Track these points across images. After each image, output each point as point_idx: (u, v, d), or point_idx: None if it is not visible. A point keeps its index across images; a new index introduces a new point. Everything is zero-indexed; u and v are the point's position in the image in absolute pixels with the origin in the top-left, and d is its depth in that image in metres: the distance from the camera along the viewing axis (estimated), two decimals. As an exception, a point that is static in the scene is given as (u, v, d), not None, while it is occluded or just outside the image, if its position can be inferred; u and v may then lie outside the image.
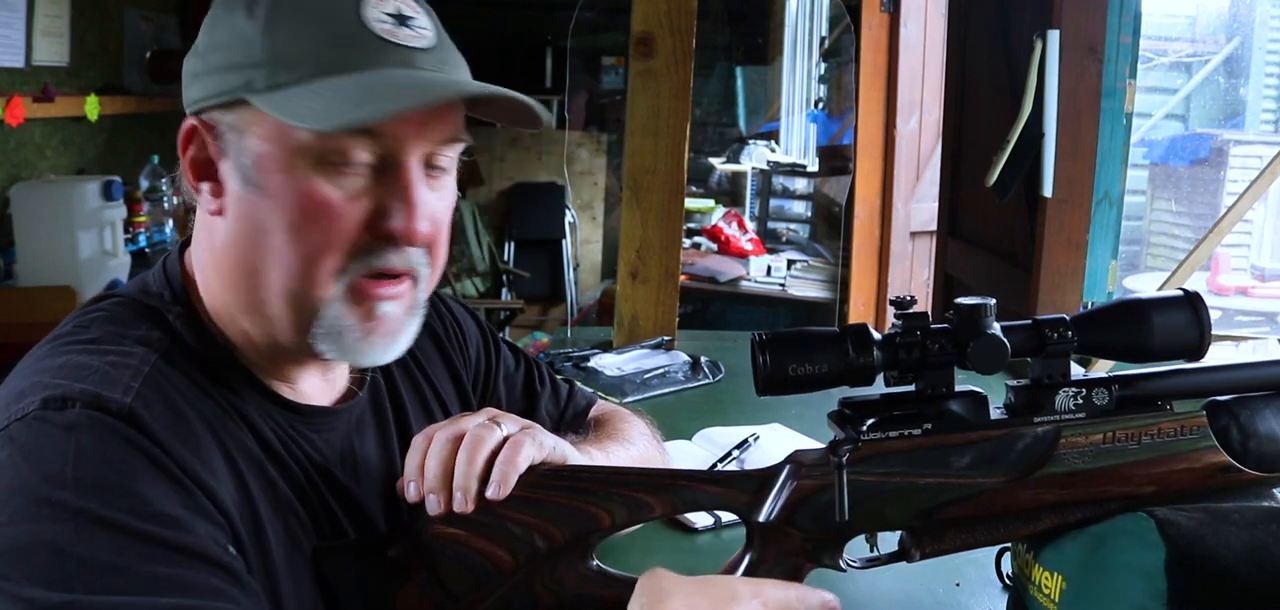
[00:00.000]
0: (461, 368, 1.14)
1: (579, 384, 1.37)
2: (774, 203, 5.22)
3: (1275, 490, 0.89)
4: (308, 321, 0.85)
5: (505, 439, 0.90)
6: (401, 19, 0.84)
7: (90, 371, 0.79)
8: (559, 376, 1.30)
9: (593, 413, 1.28)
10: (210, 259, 0.90)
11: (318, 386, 0.95)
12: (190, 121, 0.86)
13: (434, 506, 0.88)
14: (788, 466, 0.91)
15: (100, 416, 0.76)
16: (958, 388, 0.91)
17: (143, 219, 3.71)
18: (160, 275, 0.92)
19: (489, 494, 0.87)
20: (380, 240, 0.85)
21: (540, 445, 0.91)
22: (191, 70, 0.87)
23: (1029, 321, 0.90)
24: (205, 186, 0.87)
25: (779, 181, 5.23)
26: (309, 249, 0.83)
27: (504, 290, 5.72)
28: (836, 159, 4.72)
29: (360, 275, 0.85)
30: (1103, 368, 1.73)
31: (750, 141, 5.86)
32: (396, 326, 0.89)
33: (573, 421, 1.25)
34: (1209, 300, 0.90)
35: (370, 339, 0.87)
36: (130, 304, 0.88)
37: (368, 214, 0.84)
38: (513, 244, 6.08)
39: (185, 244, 0.94)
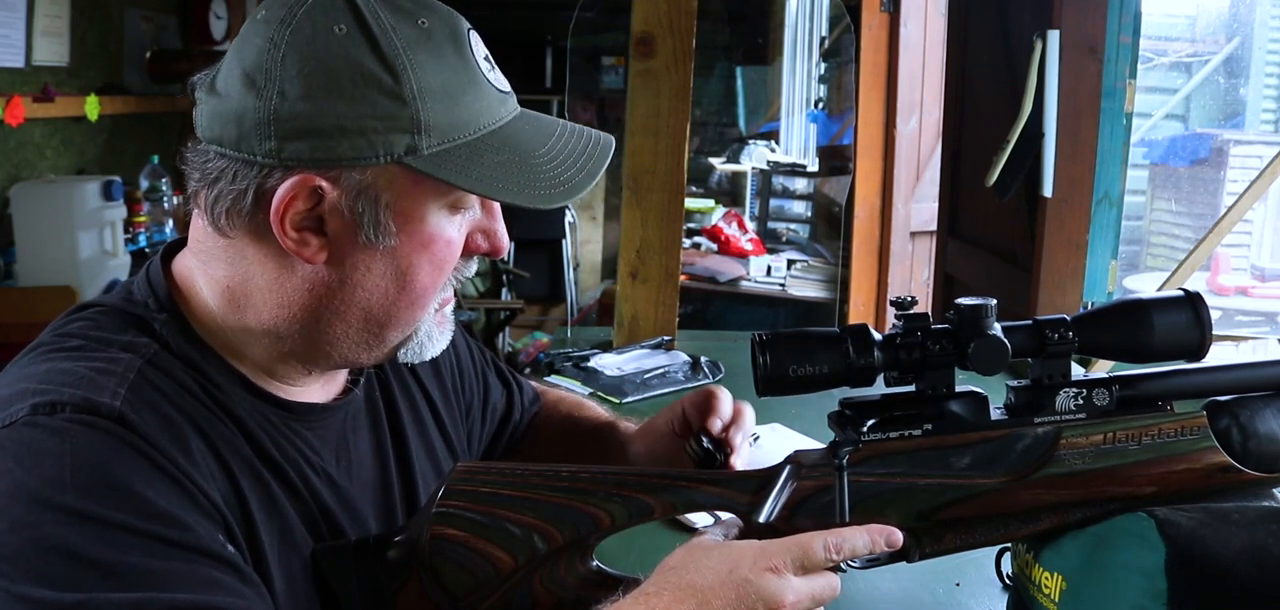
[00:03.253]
0: (445, 369, 1.16)
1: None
2: (774, 203, 5.21)
3: (1275, 490, 0.89)
4: (404, 341, 0.92)
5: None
6: (490, 62, 0.90)
7: (76, 377, 0.79)
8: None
9: (546, 402, 1.36)
10: (271, 293, 0.87)
11: (315, 387, 0.96)
12: (301, 178, 0.81)
13: None
14: (788, 467, 0.91)
15: (91, 420, 0.76)
16: (958, 388, 0.91)
17: (143, 219, 3.71)
18: (144, 283, 0.91)
19: None
20: (465, 259, 0.92)
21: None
22: (291, 125, 0.81)
23: (1029, 322, 0.90)
24: (309, 238, 0.84)
25: (779, 181, 5.23)
26: (431, 285, 0.89)
27: (504, 290, 5.71)
28: (836, 159, 4.72)
29: (448, 292, 0.93)
30: (1103, 368, 1.73)
31: (750, 141, 5.85)
32: (450, 317, 0.97)
33: (530, 407, 1.33)
34: (1209, 300, 0.90)
35: (442, 334, 0.95)
36: (113, 312, 0.88)
37: (465, 239, 0.91)
38: (512, 244, 6.08)
39: (169, 251, 0.94)
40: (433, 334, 0.94)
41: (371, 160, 0.82)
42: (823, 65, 5.23)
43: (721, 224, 4.96)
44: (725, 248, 4.77)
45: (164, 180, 3.87)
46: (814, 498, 0.89)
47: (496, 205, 0.92)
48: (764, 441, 1.58)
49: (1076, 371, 0.92)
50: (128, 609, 0.71)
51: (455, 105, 0.84)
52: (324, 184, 0.82)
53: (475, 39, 0.88)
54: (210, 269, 0.89)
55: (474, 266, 0.95)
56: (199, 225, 0.89)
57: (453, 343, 1.18)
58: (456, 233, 0.89)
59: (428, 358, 0.95)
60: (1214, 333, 0.89)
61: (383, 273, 0.86)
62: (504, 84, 0.90)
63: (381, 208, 0.84)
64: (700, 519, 1.32)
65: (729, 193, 5.83)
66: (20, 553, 0.71)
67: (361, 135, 0.81)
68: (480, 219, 0.92)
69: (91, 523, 0.72)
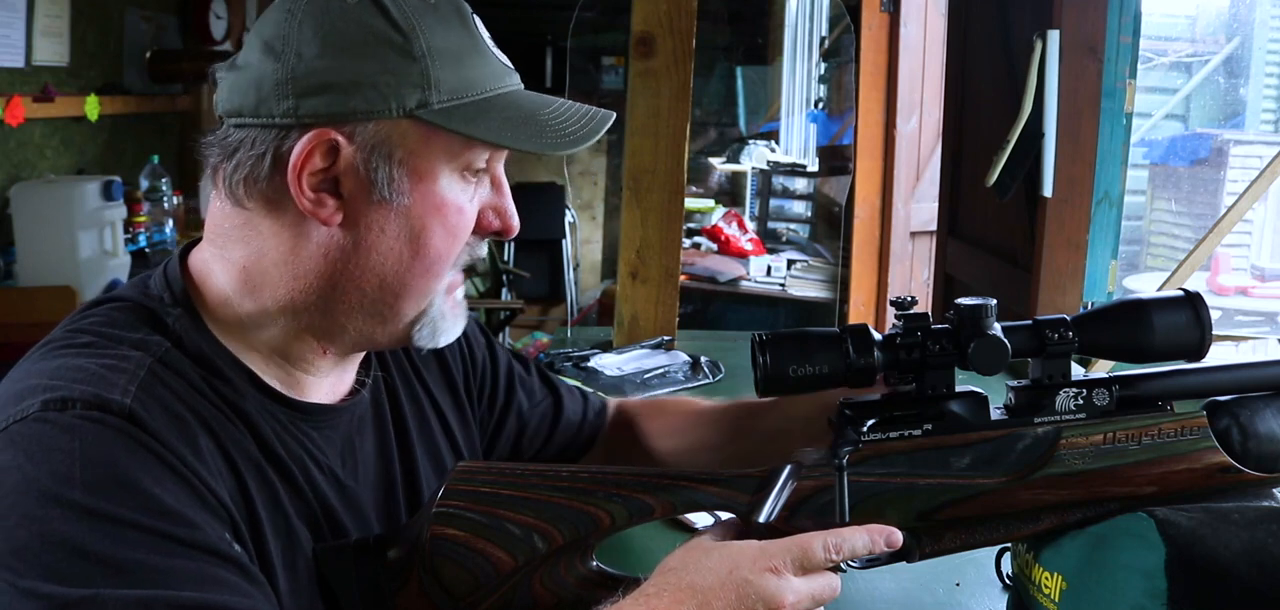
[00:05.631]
0: (460, 379, 1.15)
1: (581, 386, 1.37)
2: (774, 203, 5.21)
3: (1275, 490, 0.89)
4: (418, 318, 0.92)
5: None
6: (492, 41, 0.92)
7: (87, 374, 0.80)
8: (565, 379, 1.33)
9: (620, 410, 1.30)
10: (287, 266, 0.88)
11: (323, 386, 0.96)
12: (318, 133, 0.84)
13: None
14: (788, 467, 0.91)
15: (102, 416, 0.77)
16: (958, 388, 0.91)
17: (143, 219, 3.71)
18: (161, 278, 0.92)
19: None
20: (477, 236, 0.94)
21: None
22: (308, 82, 0.84)
23: (1029, 322, 0.90)
24: (326, 199, 0.86)
25: (779, 181, 5.23)
26: (443, 252, 0.90)
27: (504, 290, 5.71)
28: (836, 159, 4.72)
29: (459, 268, 0.94)
30: (1103, 368, 1.73)
31: (750, 141, 5.85)
32: (463, 302, 0.97)
33: (594, 422, 1.28)
34: (1209, 300, 0.90)
35: (456, 319, 0.96)
36: (127, 307, 0.89)
37: (477, 216, 0.92)
38: (512, 244, 6.07)
39: (189, 247, 0.95)
40: (445, 315, 0.94)
41: (385, 113, 0.84)
42: (823, 65, 5.23)
43: (721, 224, 4.96)
44: (725, 248, 4.77)
45: (164, 180, 3.87)
46: (814, 498, 0.89)
47: (506, 185, 0.95)
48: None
49: (1076, 371, 0.92)
50: (134, 605, 0.71)
51: (463, 66, 0.87)
52: (340, 139, 0.84)
53: (477, 18, 0.92)
54: (227, 252, 0.90)
55: (485, 249, 0.96)
56: (216, 208, 0.91)
57: (472, 351, 1.18)
58: (468, 203, 0.91)
59: (442, 343, 0.95)
60: (1214, 333, 0.89)
61: (397, 234, 0.88)
62: (506, 60, 0.93)
63: (395, 163, 0.86)
64: (700, 519, 1.32)
65: (729, 193, 5.83)
66: (28, 547, 0.72)
67: (375, 89, 0.84)
68: (491, 197, 0.94)
69: (100, 519, 0.73)
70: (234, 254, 0.90)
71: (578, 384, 2.04)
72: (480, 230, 0.93)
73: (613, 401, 1.33)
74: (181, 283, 0.91)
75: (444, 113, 0.86)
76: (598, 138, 0.92)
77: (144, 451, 0.77)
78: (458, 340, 1.15)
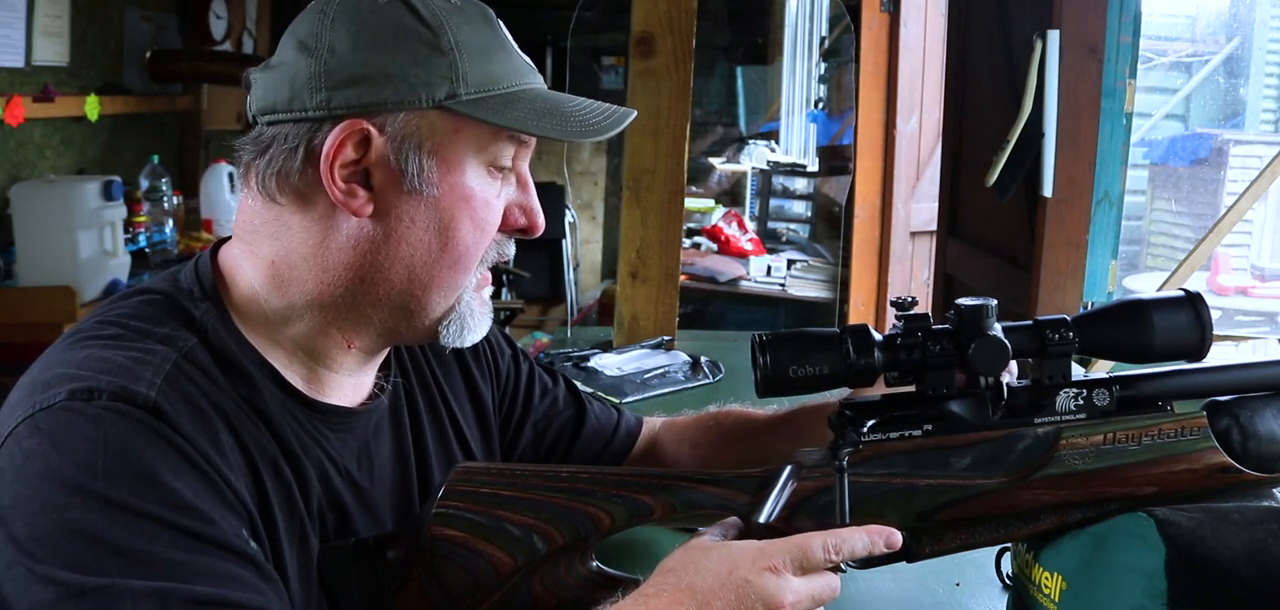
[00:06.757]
0: (484, 388, 1.15)
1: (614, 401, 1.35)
2: (774, 203, 5.21)
3: (1275, 490, 0.89)
4: (446, 314, 0.93)
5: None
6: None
7: (114, 366, 0.81)
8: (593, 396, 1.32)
9: (650, 428, 1.29)
10: (316, 260, 0.90)
11: (343, 388, 0.97)
12: (350, 124, 0.86)
13: None
14: (788, 467, 0.91)
15: (126, 409, 0.78)
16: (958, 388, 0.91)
17: (142, 219, 3.70)
18: (192, 272, 0.93)
19: None
20: (504, 234, 0.96)
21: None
22: (341, 76, 0.86)
23: (1030, 322, 0.90)
24: (357, 190, 0.88)
25: (779, 181, 5.23)
26: (471, 245, 0.92)
27: (504, 290, 5.71)
28: (836, 159, 4.71)
29: (487, 265, 0.95)
30: (1103, 368, 1.73)
31: (750, 141, 5.85)
32: (489, 302, 0.98)
33: (624, 439, 1.27)
34: (1209, 300, 0.90)
35: (483, 318, 0.97)
36: (156, 301, 0.90)
37: (503, 213, 0.94)
38: (512, 244, 6.05)
39: (220, 244, 0.96)
40: (474, 310, 0.95)
41: (414, 104, 0.87)
42: (823, 65, 5.23)
43: (721, 224, 4.95)
44: (725, 248, 4.77)
45: (164, 180, 3.86)
46: (814, 498, 0.89)
47: (531, 184, 0.97)
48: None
49: (1076, 372, 0.92)
50: (148, 597, 0.72)
51: (489, 61, 0.90)
52: (371, 129, 0.86)
53: (501, 22, 0.94)
54: (257, 249, 0.91)
55: (512, 248, 0.98)
56: (246, 206, 0.92)
57: (496, 360, 1.18)
58: (495, 198, 0.93)
59: (468, 341, 0.96)
60: (1214, 333, 0.89)
61: (426, 225, 0.89)
62: (528, 60, 0.96)
63: (424, 154, 0.88)
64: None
65: (729, 193, 5.83)
66: (47, 534, 0.73)
67: (405, 81, 0.86)
68: (517, 195, 0.96)
69: (119, 510, 0.74)
70: (263, 250, 0.91)
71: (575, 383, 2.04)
72: (506, 227, 0.95)
73: (649, 420, 1.32)
74: (211, 278, 0.92)
75: (472, 104, 0.88)
76: (620, 129, 0.94)
77: (166, 445, 0.78)
78: (483, 347, 1.16)
